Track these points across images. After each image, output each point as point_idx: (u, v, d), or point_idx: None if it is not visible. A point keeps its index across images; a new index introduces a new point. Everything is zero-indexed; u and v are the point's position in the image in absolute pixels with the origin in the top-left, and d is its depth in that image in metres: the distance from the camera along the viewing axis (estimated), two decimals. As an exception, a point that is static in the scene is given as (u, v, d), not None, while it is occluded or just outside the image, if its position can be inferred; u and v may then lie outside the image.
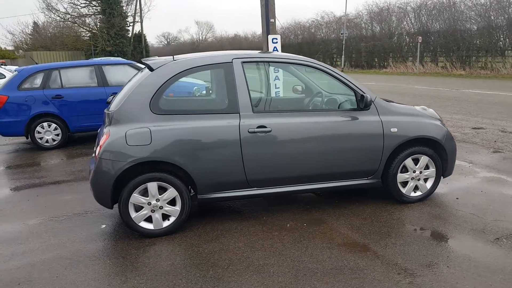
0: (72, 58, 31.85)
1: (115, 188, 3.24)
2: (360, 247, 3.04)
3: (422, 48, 21.31)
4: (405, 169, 3.74)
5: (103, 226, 3.64)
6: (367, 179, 3.70)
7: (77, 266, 2.94)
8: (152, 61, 3.44)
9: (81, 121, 7.06)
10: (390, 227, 3.37)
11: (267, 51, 5.84)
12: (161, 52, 57.69)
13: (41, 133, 6.86)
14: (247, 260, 2.91)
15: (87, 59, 28.83)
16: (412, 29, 24.44)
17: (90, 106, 7.06)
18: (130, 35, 36.19)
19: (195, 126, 3.26)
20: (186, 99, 3.36)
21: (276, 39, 6.13)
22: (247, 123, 3.33)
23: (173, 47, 67.01)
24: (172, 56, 3.55)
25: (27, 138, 6.97)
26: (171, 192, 3.29)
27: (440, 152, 3.80)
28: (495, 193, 4.01)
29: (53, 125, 6.92)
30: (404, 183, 3.78)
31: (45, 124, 6.86)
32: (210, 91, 3.57)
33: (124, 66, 7.49)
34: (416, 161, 3.74)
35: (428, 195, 3.85)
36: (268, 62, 3.58)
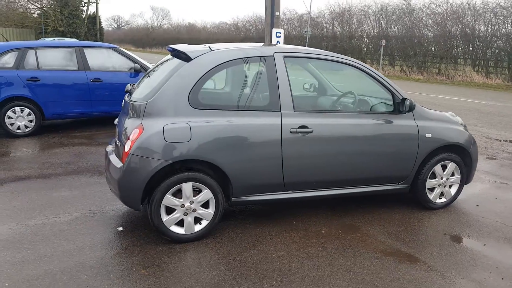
0: (21, 37, 29.25)
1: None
2: (408, 257, 2.96)
3: (381, 51, 22.02)
4: (433, 176, 3.73)
5: (120, 228, 3.26)
6: (398, 184, 3.64)
7: (107, 277, 2.58)
8: (188, 49, 3.11)
9: (58, 108, 6.40)
10: (426, 234, 3.34)
11: (274, 44, 5.57)
12: (112, 35, 54.89)
13: (12, 118, 6.12)
14: (298, 271, 2.72)
15: (37, 39, 26.65)
16: (372, 32, 25.18)
17: (69, 91, 6.42)
18: (84, 16, 33.91)
19: (236, 123, 3.00)
20: (224, 93, 3.08)
21: (280, 33, 5.92)
22: (288, 122, 3.13)
23: (125, 32, 64.03)
24: (207, 45, 3.24)
25: (-5, 123, 6.21)
26: (206, 194, 3.01)
27: (465, 159, 3.84)
28: (509, 200, 4.13)
29: (27, 110, 6.20)
30: (431, 189, 3.77)
31: (17, 108, 6.13)
32: (248, 86, 3.31)
33: (107, 50, 6.90)
34: (444, 168, 3.75)
35: (451, 202, 3.88)
36: (311, 58, 3.38)
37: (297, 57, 3.34)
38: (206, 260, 2.82)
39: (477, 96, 13.24)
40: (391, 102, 3.52)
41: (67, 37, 28.30)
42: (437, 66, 20.62)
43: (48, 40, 14.50)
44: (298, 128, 3.14)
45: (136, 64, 6.85)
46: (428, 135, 3.56)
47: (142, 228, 3.27)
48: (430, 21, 21.89)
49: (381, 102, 3.61)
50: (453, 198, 3.87)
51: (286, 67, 3.18)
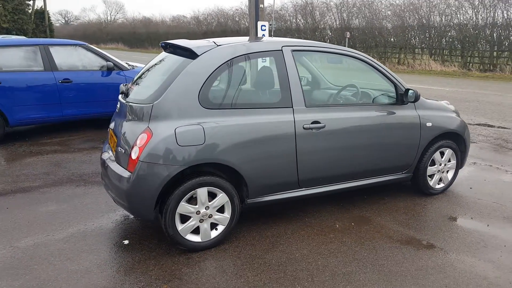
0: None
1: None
2: (424, 244, 3.00)
3: (346, 43, 22.45)
4: (432, 163, 3.80)
5: (126, 242, 3.03)
6: (402, 173, 3.68)
7: (128, 297, 2.38)
8: (193, 45, 2.92)
9: (24, 113, 5.87)
10: (434, 220, 3.40)
11: (258, 37, 5.43)
12: (61, 31, 51.82)
13: (-29, 127, 5.56)
14: (326, 269, 2.66)
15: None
16: (335, 24, 25.61)
17: (35, 94, 5.92)
18: (31, 11, 31.66)
19: (249, 122, 2.87)
20: (234, 90, 2.93)
21: (265, 26, 5.81)
22: (301, 118, 3.04)
23: (76, 27, 60.83)
24: (211, 40, 3.06)
25: (-47, 133, 5.61)
26: (222, 198, 2.86)
27: (460, 145, 3.95)
28: (496, 181, 4.32)
29: (-13, 118, 5.65)
30: (430, 176, 3.85)
31: (-24, 116, 5.58)
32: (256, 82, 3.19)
33: (75, 48, 6.43)
34: (442, 154, 3.84)
35: (449, 186, 3.99)
36: (317, 51, 3.30)
37: (304, 50, 3.25)
38: (230, 267, 2.69)
39: (439, 83, 13.85)
40: (393, 94, 3.54)
41: (13, 34, 26.33)
42: (397, 56, 21.35)
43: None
44: (311, 123, 3.06)
45: (108, 62, 6.44)
46: (429, 124, 3.61)
47: (150, 239, 3.06)
48: (389, 12, 22.58)
49: (383, 94, 3.62)
50: (450, 183, 3.98)
51: (295, 61, 3.09)
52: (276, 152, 2.96)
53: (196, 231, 2.85)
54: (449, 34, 19.67)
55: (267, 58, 4.04)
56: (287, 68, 3.03)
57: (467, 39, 18.49)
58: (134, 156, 2.66)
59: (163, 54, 3.30)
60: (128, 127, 2.87)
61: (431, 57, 19.57)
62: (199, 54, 2.82)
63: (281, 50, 3.06)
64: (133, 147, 2.69)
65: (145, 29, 43.17)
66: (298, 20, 27.44)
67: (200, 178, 2.75)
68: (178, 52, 3.06)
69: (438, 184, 3.92)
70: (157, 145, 2.62)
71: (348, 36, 20.84)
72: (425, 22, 20.19)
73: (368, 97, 3.68)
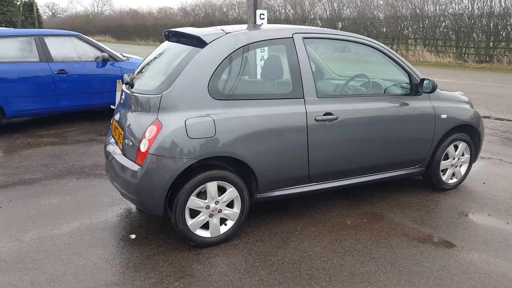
0: None
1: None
2: (443, 242, 2.89)
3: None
4: (445, 157, 3.70)
5: (133, 236, 2.92)
6: (414, 167, 3.58)
7: (139, 296, 2.27)
8: (201, 32, 2.78)
9: (20, 104, 5.70)
10: (449, 217, 3.31)
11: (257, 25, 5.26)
12: (49, 23, 50.90)
13: (-34, 118, 5.39)
14: (343, 268, 2.56)
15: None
16: (325, 14, 25.26)
17: (31, 85, 5.74)
18: (19, 3, 31.13)
19: (260, 113, 2.74)
20: (244, 81, 2.80)
21: (264, 14, 5.68)
22: (313, 109, 2.92)
23: (63, 19, 59.81)
24: (219, 28, 2.92)
25: None
26: (232, 193, 2.75)
27: (474, 138, 3.84)
28: (510, 176, 4.22)
29: (-17, 109, 5.48)
30: (443, 171, 3.75)
31: (-29, 107, 5.40)
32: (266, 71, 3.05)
33: (70, 38, 6.26)
34: (456, 148, 3.73)
35: (461, 181, 3.89)
36: (329, 39, 3.16)
37: (316, 38, 3.11)
38: (241, 264, 2.58)
39: (435, 75, 13.71)
40: (406, 84, 3.42)
41: (2, 26, 25.88)
42: (390, 47, 21.13)
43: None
44: (323, 115, 2.94)
45: (103, 53, 6.27)
46: (444, 116, 3.50)
47: (157, 233, 2.95)
48: (381, 2, 22.27)
49: (395, 84, 3.50)
50: (463, 178, 3.88)
51: (306, 50, 2.95)
52: (287, 145, 2.85)
53: (205, 226, 2.74)
54: (444, 24, 19.39)
55: (265, 48, 3.92)
56: (298, 57, 2.90)
57: (462, 29, 18.25)
58: (143, 148, 2.53)
59: (167, 43, 3.17)
60: (135, 119, 2.74)
61: (425, 48, 19.34)
62: (208, 42, 2.68)
63: (292, 37, 2.92)
64: (141, 139, 2.56)
65: (132, 21, 42.58)
66: (288, 11, 27.08)
67: (210, 172, 2.63)
68: (183, 41, 2.92)
69: (451, 179, 3.82)
70: (168, 138, 2.49)
71: (339, 27, 20.58)
72: (418, 12, 19.91)
73: (379, 87, 3.55)
